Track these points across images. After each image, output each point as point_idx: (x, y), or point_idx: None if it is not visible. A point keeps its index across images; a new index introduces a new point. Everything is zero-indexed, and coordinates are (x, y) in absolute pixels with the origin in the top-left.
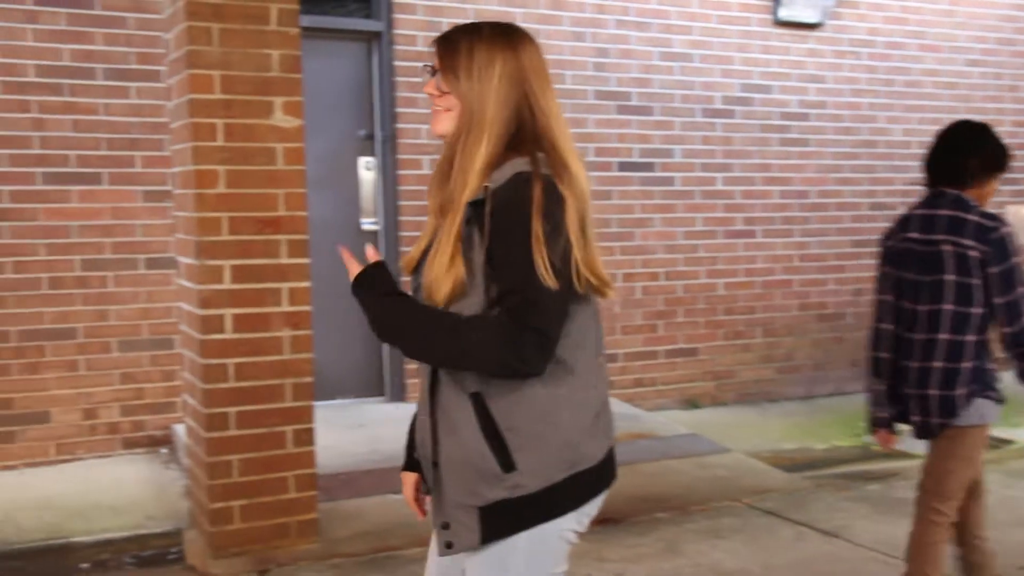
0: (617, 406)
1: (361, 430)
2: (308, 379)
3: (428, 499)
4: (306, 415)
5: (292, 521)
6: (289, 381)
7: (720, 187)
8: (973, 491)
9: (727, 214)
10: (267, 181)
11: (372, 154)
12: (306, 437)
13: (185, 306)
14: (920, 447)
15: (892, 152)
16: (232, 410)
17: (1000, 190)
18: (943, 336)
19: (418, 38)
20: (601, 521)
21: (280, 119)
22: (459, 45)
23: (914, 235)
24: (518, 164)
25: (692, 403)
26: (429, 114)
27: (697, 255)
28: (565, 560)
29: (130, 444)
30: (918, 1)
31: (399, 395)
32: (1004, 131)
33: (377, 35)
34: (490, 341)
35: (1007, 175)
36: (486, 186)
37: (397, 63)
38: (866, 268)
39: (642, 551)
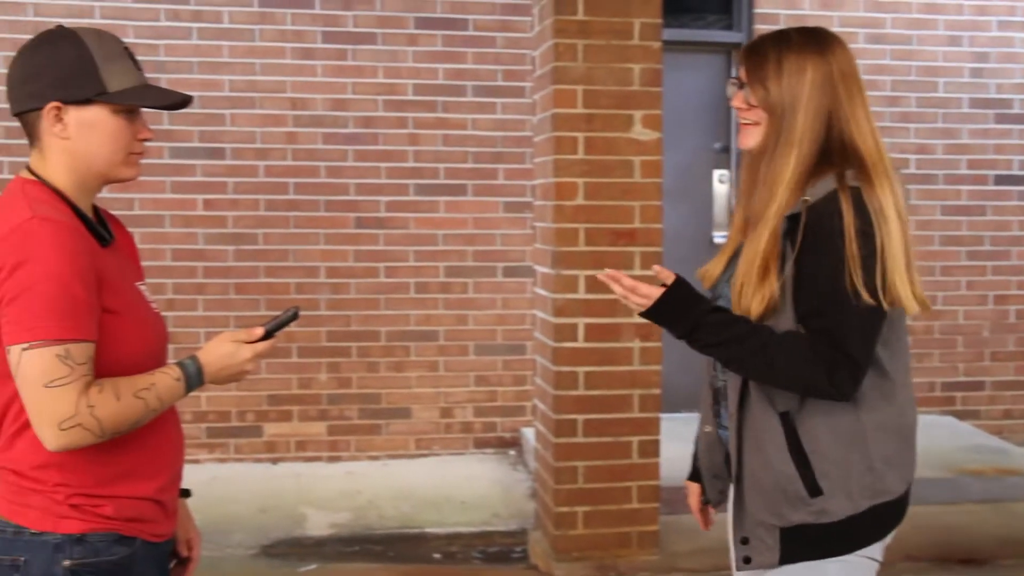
0: (983, 439)
1: None
2: (656, 391)
3: (711, 510)
4: (652, 426)
5: (633, 531)
6: (637, 392)
7: None
8: None
9: None
10: (624, 193)
11: (727, 167)
12: (651, 448)
13: (540, 314)
14: None
15: None
16: (580, 417)
17: None
18: None
19: None
20: (963, 561)
21: (639, 132)
22: (767, 55)
23: None
24: (833, 179)
25: None
26: None
27: None
28: None
29: (481, 444)
30: None
31: None
32: None
33: (737, 46)
34: (800, 363)
35: None
36: (805, 199)
37: None
38: None
39: None
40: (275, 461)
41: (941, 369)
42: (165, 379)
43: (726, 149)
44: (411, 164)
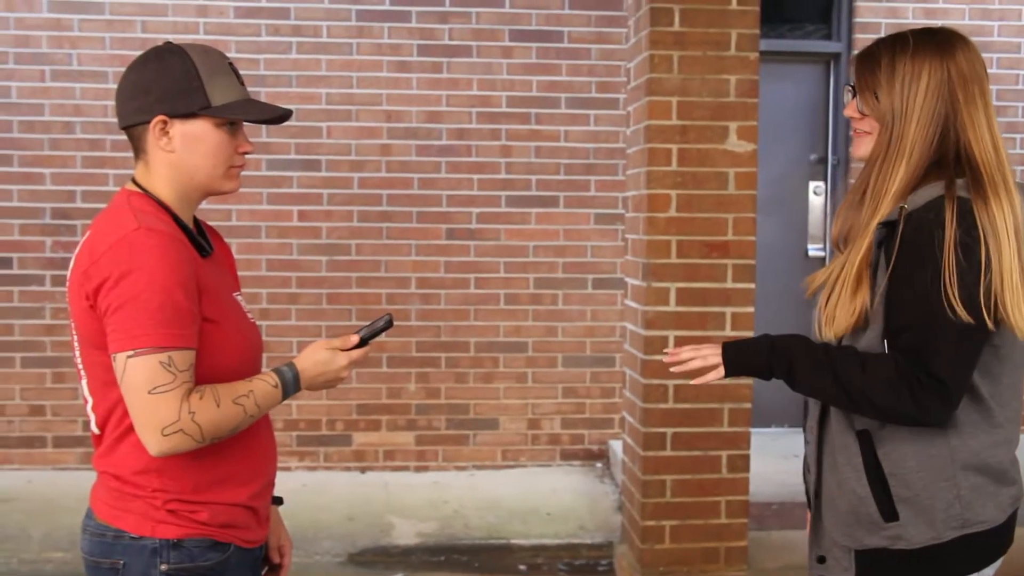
0: None
1: (795, 460)
2: (746, 405)
3: None
4: (742, 441)
5: (721, 547)
6: (727, 406)
7: None
8: None
9: None
10: (717, 206)
11: (822, 179)
12: (741, 463)
13: (630, 326)
14: None
15: None
16: (669, 431)
17: None
18: None
19: None
20: None
21: (734, 144)
22: (879, 60)
23: None
24: (937, 187)
25: None
26: None
27: None
28: None
29: (568, 456)
30: None
31: None
32: None
33: (836, 56)
34: (884, 387)
35: None
36: (901, 207)
37: None
38: None
39: None
40: (363, 470)
41: None
42: (263, 386)
43: (822, 160)
44: (503, 176)
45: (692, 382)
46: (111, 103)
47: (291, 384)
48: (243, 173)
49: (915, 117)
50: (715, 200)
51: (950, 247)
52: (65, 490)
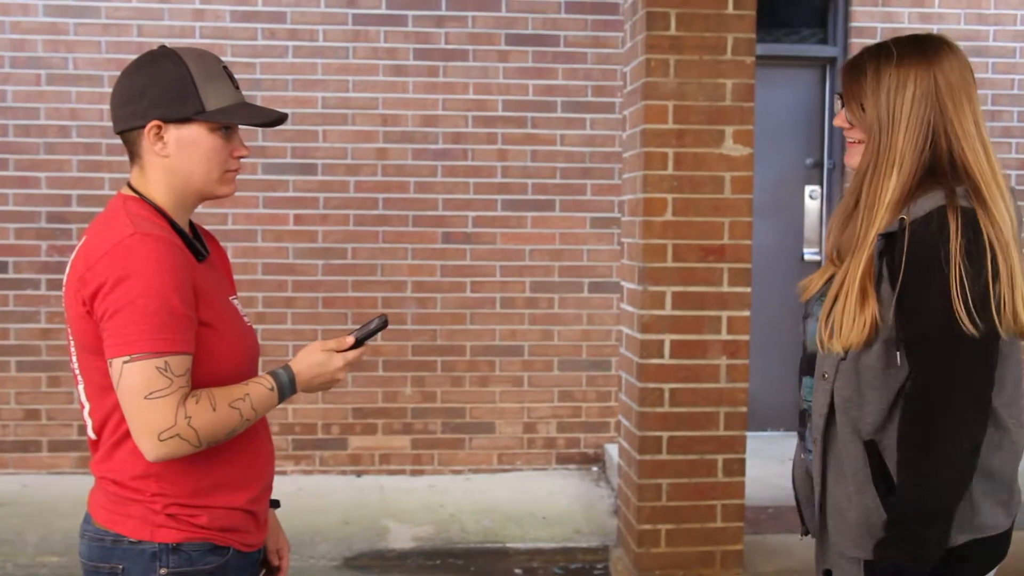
0: None
1: (791, 464)
2: (742, 409)
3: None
4: (738, 445)
5: (717, 550)
6: (723, 409)
7: None
8: None
9: None
10: (713, 210)
11: (818, 183)
12: (737, 467)
13: (626, 330)
14: None
15: None
16: (665, 434)
17: None
18: None
19: None
20: None
21: (730, 148)
22: (864, 70)
23: None
24: (936, 197)
25: None
26: None
27: None
28: None
29: (563, 460)
30: None
31: None
32: None
33: (832, 61)
34: (939, 422)
35: None
36: (902, 218)
37: None
38: None
39: None
40: (359, 474)
41: None
42: (259, 389)
43: (818, 165)
44: (499, 179)
45: None
46: (107, 107)
47: (287, 387)
48: (239, 177)
49: (903, 126)
50: (711, 204)
51: (956, 258)
52: (60, 494)
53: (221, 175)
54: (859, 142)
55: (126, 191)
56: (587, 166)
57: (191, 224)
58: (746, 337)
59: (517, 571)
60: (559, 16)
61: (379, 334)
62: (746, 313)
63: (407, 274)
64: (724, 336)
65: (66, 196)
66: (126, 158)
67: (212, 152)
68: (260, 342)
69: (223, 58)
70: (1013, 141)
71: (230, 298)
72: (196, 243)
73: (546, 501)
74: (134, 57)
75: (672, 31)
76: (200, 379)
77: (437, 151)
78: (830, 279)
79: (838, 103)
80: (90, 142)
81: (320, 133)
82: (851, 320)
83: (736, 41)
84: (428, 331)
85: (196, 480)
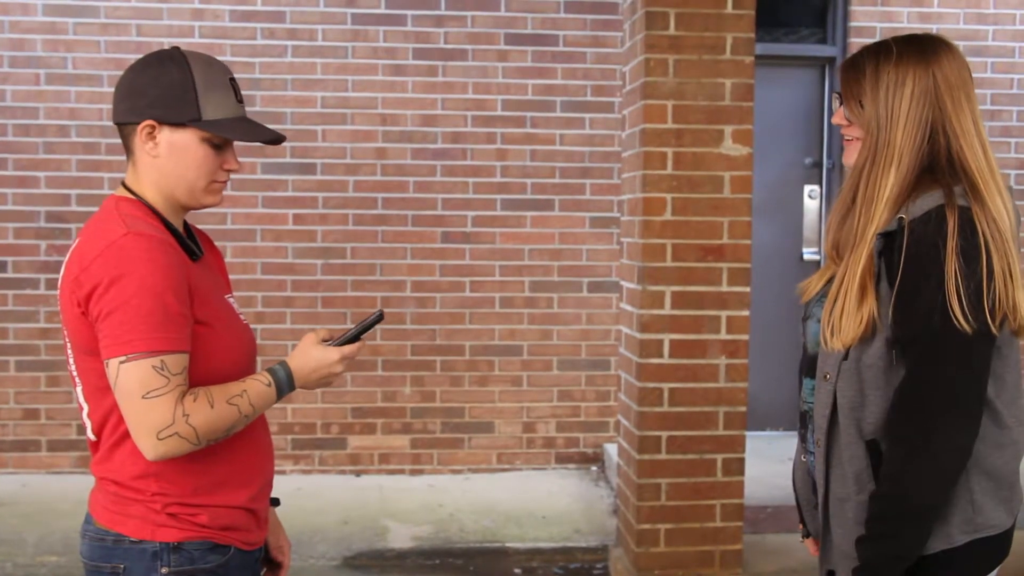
0: None
1: (790, 464)
2: (741, 408)
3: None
4: (737, 444)
5: (716, 550)
6: (722, 409)
7: None
8: None
9: None
10: (712, 209)
11: (817, 182)
12: (736, 467)
13: (625, 329)
14: None
15: None
16: (664, 434)
17: None
18: None
19: None
20: None
21: (729, 147)
22: (863, 68)
23: None
24: (935, 196)
25: None
26: None
27: None
28: None
29: (563, 459)
30: None
31: None
32: None
33: (831, 60)
34: (928, 420)
35: None
36: (900, 217)
37: None
38: None
39: None
40: (358, 473)
41: None
42: (256, 385)
43: (817, 164)
44: (498, 179)
45: None
46: (106, 106)
47: (285, 382)
48: (238, 176)
49: (901, 124)
50: (710, 204)
51: (952, 257)
52: (59, 494)
53: (207, 185)
54: (856, 140)
55: (120, 191)
56: (586, 166)
57: (185, 224)
58: (745, 337)
59: (516, 571)
60: (558, 16)
61: (375, 327)
62: (745, 313)
63: (406, 274)
64: (723, 336)
65: (65, 196)
66: (125, 157)
67: (201, 161)
68: (259, 342)
69: (222, 58)
70: (1012, 140)
71: (226, 297)
72: (190, 242)
73: (545, 501)
74: (134, 57)
75: (671, 31)
76: (198, 378)
77: (436, 151)
78: (830, 280)
79: (836, 102)
80: (89, 142)
81: (319, 133)
82: (849, 316)
83: (735, 41)
84: (427, 331)
85: (196, 479)
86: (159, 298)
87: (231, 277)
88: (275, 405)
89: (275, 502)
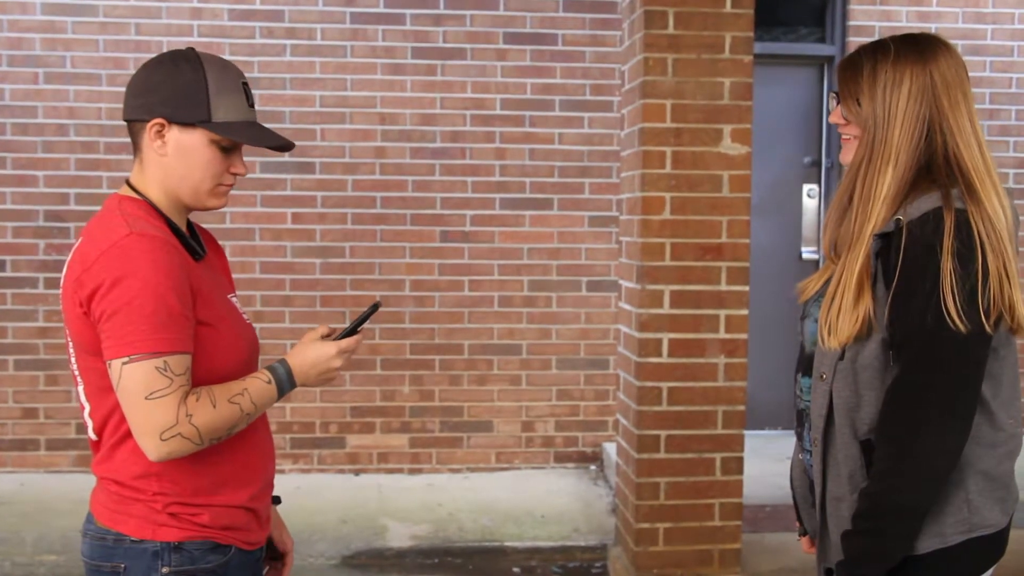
0: None
1: (789, 462)
2: (740, 407)
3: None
4: (736, 443)
5: (715, 549)
6: (721, 408)
7: None
8: None
9: None
10: (711, 208)
11: (816, 181)
12: (735, 466)
13: (624, 328)
14: None
15: None
16: (663, 433)
17: None
18: None
19: None
20: None
21: (728, 147)
22: (860, 67)
23: None
24: (933, 199)
25: None
26: None
27: None
28: None
29: (561, 458)
30: None
31: None
32: None
33: (830, 60)
34: (920, 420)
35: None
36: (898, 218)
37: None
38: None
39: None
40: (357, 472)
41: None
42: (256, 383)
43: (816, 163)
44: (497, 178)
45: None
46: (105, 105)
47: (285, 379)
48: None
49: (898, 122)
50: (709, 203)
51: (948, 259)
52: (58, 493)
53: (212, 187)
54: (854, 138)
55: (124, 191)
56: (585, 165)
57: (188, 223)
58: (744, 336)
59: (515, 570)
60: (557, 15)
61: (373, 321)
62: (744, 312)
63: (405, 273)
64: (722, 335)
65: (64, 195)
66: (124, 156)
67: (208, 163)
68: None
69: (221, 57)
70: (1010, 140)
71: (229, 296)
72: (193, 242)
73: (544, 500)
74: (132, 56)
75: (670, 30)
76: (201, 378)
77: (435, 150)
78: (828, 280)
79: (833, 101)
80: (88, 140)
81: (318, 132)
82: (845, 315)
83: (734, 40)
84: (426, 330)
85: (197, 479)
86: (162, 299)
87: None
88: (274, 404)
89: (276, 500)
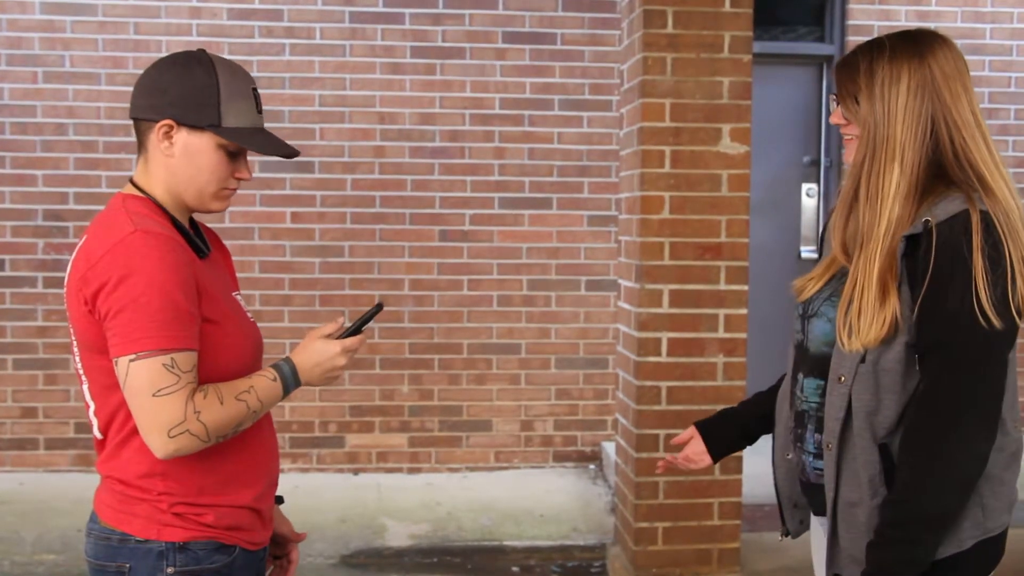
0: None
1: None
2: None
3: (681, 458)
4: None
5: (714, 548)
6: (720, 407)
7: None
8: None
9: None
10: (710, 207)
11: (815, 180)
12: (734, 465)
13: (623, 328)
14: None
15: None
16: (662, 432)
17: None
18: None
19: None
20: None
21: (727, 146)
22: (857, 66)
23: None
24: (958, 201)
25: None
26: None
27: None
28: None
29: (560, 457)
30: None
31: None
32: None
33: (829, 59)
34: (952, 426)
35: None
36: (926, 220)
37: None
38: None
39: None
40: (356, 471)
41: None
42: (262, 380)
43: (815, 163)
44: (496, 178)
45: None
46: (104, 105)
47: (290, 377)
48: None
49: (899, 119)
50: (708, 202)
51: (979, 261)
52: (57, 492)
53: (217, 191)
54: (855, 138)
55: (128, 189)
56: (584, 164)
57: (192, 221)
58: (743, 335)
59: (514, 569)
60: (556, 14)
61: (374, 319)
62: (743, 311)
63: (404, 272)
64: (721, 334)
65: (63, 194)
66: (123, 156)
67: (214, 166)
68: None
69: (220, 56)
70: (1010, 139)
71: (233, 294)
72: (197, 240)
73: (543, 499)
74: (131, 55)
75: (669, 29)
76: (206, 375)
77: (434, 149)
78: (832, 279)
79: (833, 102)
80: (87, 140)
81: (317, 131)
82: (870, 318)
83: (733, 39)
84: (425, 329)
85: (202, 478)
86: (167, 296)
87: None
88: None
89: (279, 500)
